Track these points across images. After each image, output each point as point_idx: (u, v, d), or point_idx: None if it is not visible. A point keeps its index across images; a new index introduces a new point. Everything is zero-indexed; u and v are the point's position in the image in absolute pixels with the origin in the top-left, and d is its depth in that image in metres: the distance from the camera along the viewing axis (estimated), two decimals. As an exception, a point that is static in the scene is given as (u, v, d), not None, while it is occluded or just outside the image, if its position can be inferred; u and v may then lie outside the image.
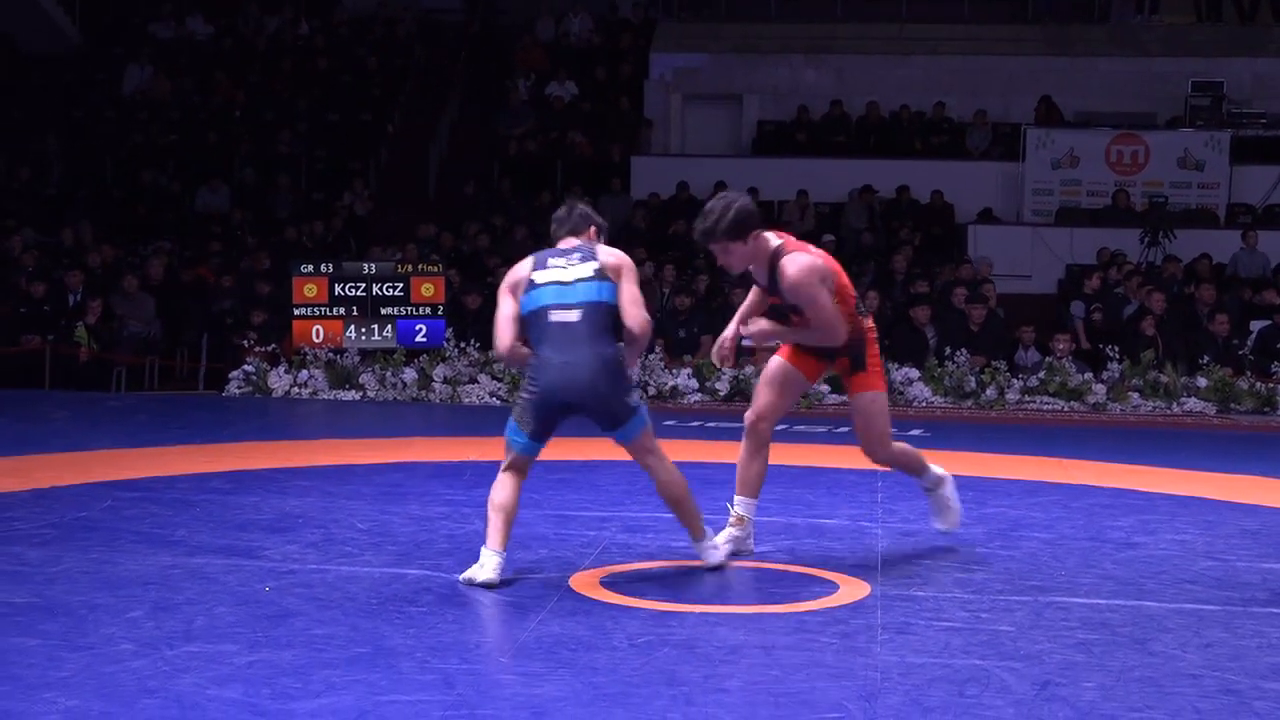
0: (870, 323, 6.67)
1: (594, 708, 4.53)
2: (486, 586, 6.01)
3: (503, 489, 6.22)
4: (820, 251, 6.54)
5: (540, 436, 6.24)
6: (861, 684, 4.84)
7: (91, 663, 4.86)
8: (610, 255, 6.29)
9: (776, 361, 6.71)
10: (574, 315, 6.14)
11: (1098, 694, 4.77)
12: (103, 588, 5.91)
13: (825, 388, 13.65)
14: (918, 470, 7.00)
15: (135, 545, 6.79)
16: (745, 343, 6.62)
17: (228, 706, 4.44)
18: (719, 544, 6.51)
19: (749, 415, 6.72)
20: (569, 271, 6.23)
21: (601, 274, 6.20)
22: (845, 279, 6.57)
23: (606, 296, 6.17)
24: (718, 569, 6.41)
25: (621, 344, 6.20)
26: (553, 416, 6.19)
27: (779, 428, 11.89)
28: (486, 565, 6.06)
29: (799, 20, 24.75)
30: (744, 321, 6.65)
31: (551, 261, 6.27)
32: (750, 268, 6.51)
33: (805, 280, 6.30)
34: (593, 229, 6.54)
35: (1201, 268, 18.33)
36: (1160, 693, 4.80)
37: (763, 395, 6.70)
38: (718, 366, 6.93)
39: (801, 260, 6.34)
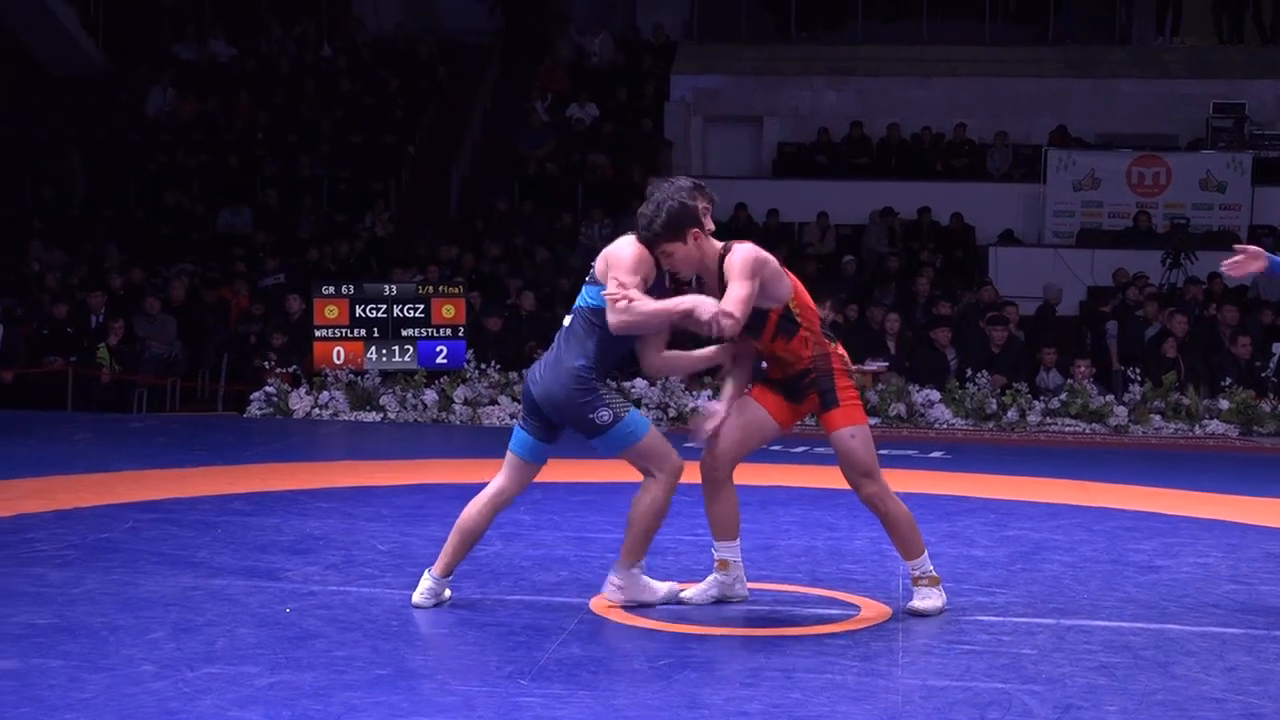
0: (840, 349, 6.12)
1: (614, 730, 4.54)
2: (415, 606, 6.07)
3: (471, 504, 6.20)
4: (773, 257, 6.00)
5: (530, 429, 6.06)
6: (883, 707, 4.83)
7: (113, 684, 4.87)
8: (604, 257, 5.92)
9: (745, 401, 6.18)
10: (568, 319, 6.03)
11: (1120, 718, 4.76)
12: (124, 609, 5.92)
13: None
14: (910, 548, 6.15)
15: (156, 566, 6.80)
16: (766, 365, 6.35)
17: (249, 728, 4.45)
18: (628, 588, 6.09)
19: (704, 458, 6.19)
20: (589, 275, 6.06)
21: (593, 278, 5.96)
22: (807, 298, 6.07)
23: (590, 301, 5.92)
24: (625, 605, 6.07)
25: (585, 355, 5.86)
26: (535, 411, 6.02)
27: (798, 449, 11.92)
28: (418, 587, 6.11)
29: (819, 42, 24.79)
30: (732, 394, 6.18)
31: None
32: (703, 278, 6.01)
33: (743, 262, 5.78)
34: (689, 233, 5.87)
35: (1215, 286, 18.29)
36: (1183, 716, 4.79)
37: (723, 438, 6.16)
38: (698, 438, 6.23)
39: (748, 246, 5.88)
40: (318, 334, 14.66)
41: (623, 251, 5.88)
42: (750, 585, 6.38)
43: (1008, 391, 14.34)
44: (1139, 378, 14.47)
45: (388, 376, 14.59)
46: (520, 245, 20.01)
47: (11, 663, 5.10)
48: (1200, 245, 19.62)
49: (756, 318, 5.93)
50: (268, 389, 14.57)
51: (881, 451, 6.35)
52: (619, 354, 6.05)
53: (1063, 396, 14.33)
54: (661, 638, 5.68)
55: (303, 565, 6.90)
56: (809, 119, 23.41)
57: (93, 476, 9.80)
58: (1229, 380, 14.58)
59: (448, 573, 6.12)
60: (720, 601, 6.26)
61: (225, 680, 4.93)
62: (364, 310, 14.66)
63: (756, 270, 5.82)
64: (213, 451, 11.42)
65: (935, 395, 14.23)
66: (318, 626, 5.71)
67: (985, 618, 6.12)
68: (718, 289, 5.93)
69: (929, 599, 6.14)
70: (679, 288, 6.02)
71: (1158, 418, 14.20)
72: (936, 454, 12.06)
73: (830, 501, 9.21)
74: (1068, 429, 14.05)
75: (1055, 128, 22.32)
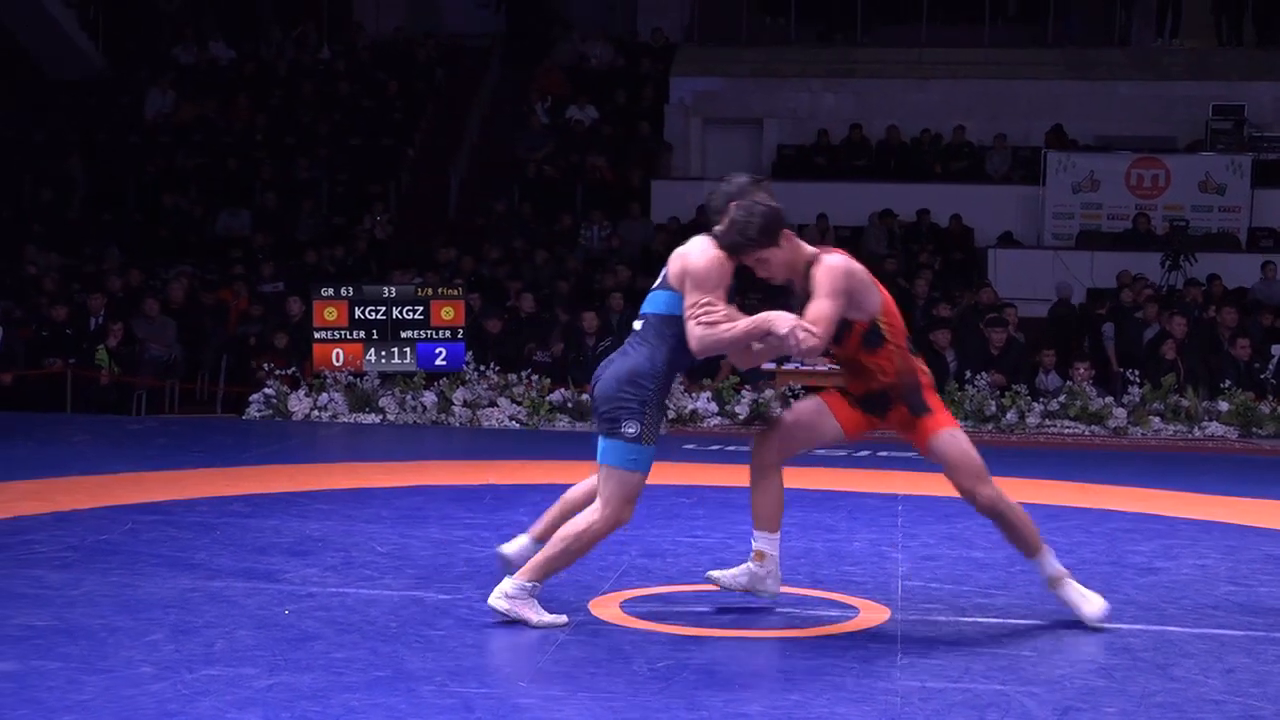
0: (923, 364, 6.11)
1: (613, 732, 4.54)
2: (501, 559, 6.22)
3: (583, 483, 6.19)
4: (863, 268, 5.89)
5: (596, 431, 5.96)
6: (882, 709, 4.83)
7: (111, 686, 4.87)
8: (679, 260, 5.80)
9: (815, 400, 6.14)
10: (639, 324, 5.91)
11: (1119, 719, 4.75)
12: (123, 611, 5.92)
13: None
14: (1031, 547, 5.98)
15: (155, 568, 6.80)
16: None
17: (247, 730, 4.45)
18: (516, 601, 5.80)
19: (755, 444, 6.12)
20: (657, 280, 5.95)
21: (665, 282, 5.85)
22: (896, 313, 5.99)
23: (662, 307, 5.81)
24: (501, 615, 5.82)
25: (652, 361, 5.76)
26: (596, 411, 5.92)
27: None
28: (514, 541, 6.28)
29: (818, 45, 24.80)
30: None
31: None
32: (792, 282, 5.95)
33: (830, 278, 5.70)
34: (722, 216, 5.88)
35: (1215, 288, 18.32)
36: (1182, 718, 4.79)
37: (779, 426, 6.11)
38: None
39: (838, 259, 5.80)
40: (317, 336, 14.66)
41: (700, 262, 5.75)
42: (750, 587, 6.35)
43: (1007, 393, 14.34)
44: (1138, 380, 14.47)
45: (387, 378, 14.59)
46: (519, 247, 20.02)
47: (10, 664, 5.10)
48: (1199, 247, 19.66)
49: (840, 327, 5.81)
50: (267, 391, 14.56)
51: (881, 453, 6.35)
52: (686, 364, 5.97)
53: (1062, 398, 14.33)
54: (660, 639, 5.68)
55: (302, 567, 6.90)
56: (808, 121, 23.42)
57: (91, 478, 9.79)
58: (1228, 382, 14.58)
59: (543, 539, 6.09)
60: (747, 593, 6.14)
61: (224, 682, 4.93)
62: (363, 312, 14.65)
63: (843, 289, 5.71)
64: (211, 453, 11.42)
65: (935, 397, 14.21)
66: (316, 628, 5.71)
67: (984, 619, 6.12)
68: (805, 294, 5.84)
69: (1090, 602, 5.96)
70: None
71: (1157, 419, 14.20)
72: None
73: (830, 504, 9.22)
74: (1067, 431, 14.04)
75: (1053, 127, 22.33)
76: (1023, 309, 17.64)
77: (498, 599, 5.84)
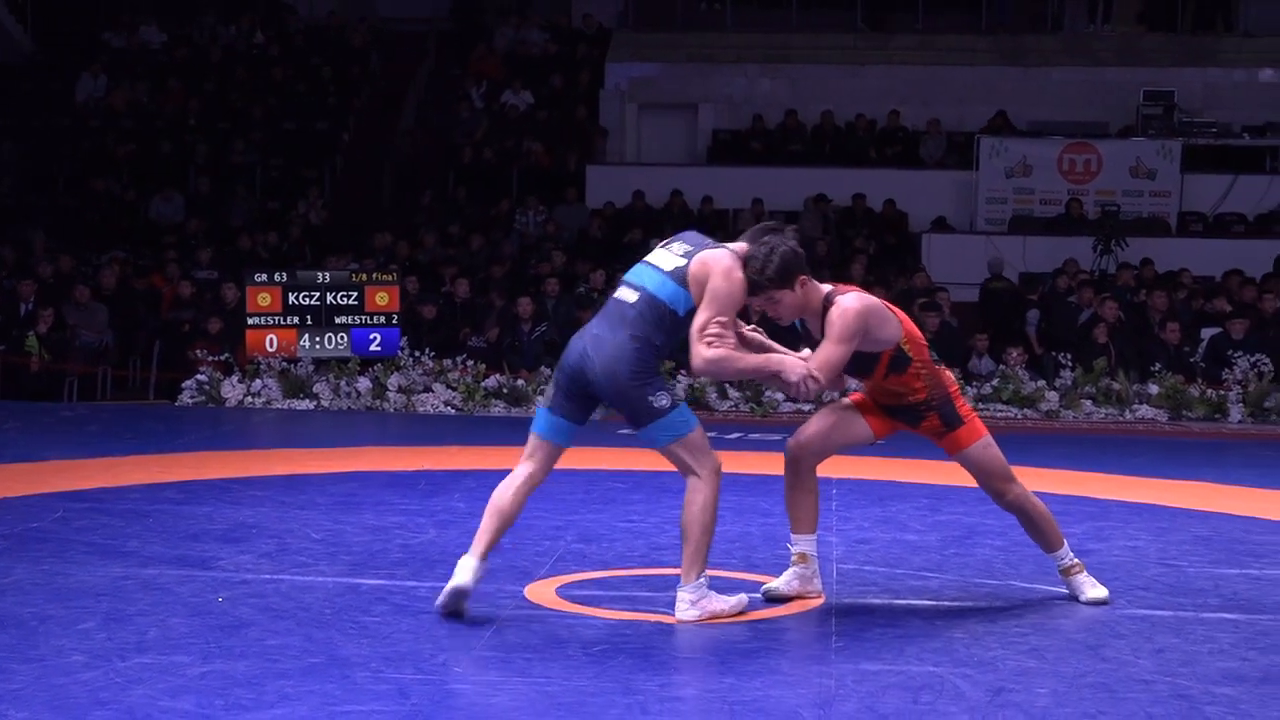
0: (947, 371, 6.16)
1: (549, 717, 4.54)
2: (456, 594, 5.66)
3: (503, 486, 5.81)
4: (877, 300, 5.93)
5: (558, 409, 5.81)
6: (816, 691, 4.85)
7: (43, 674, 4.83)
8: (702, 265, 5.67)
9: (845, 403, 6.17)
10: (632, 296, 5.76)
11: (1050, 700, 4.80)
12: (54, 599, 5.87)
13: (779, 395, 13.65)
14: (1051, 542, 6.19)
15: (87, 556, 6.75)
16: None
17: (181, 718, 4.43)
18: (700, 602, 5.75)
19: (790, 443, 6.11)
20: (665, 259, 5.78)
21: (679, 274, 5.70)
22: (915, 331, 6.02)
23: (668, 298, 5.68)
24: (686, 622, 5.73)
25: (646, 338, 5.66)
26: (569, 388, 5.78)
27: (732, 435, 11.95)
28: (457, 570, 5.68)
29: (754, 30, 24.81)
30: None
31: (670, 246, 5.84)
32: (804, 322, 5.98)
33: (842, 324, 5.71)
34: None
35: (1146, 273, 18.47)
36: (1112, 698, 4.84)
37: (813, 426, 6.11)
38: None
39: (852, 301, 5.78)
40: (250, 322, 14.57)
41: (724, 283, 5.65)
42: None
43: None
44: (1070, 364, 14.58)
45: (321, 364, 14.52)
46: (454, 232, 19.97)
47: (-61, 654, 5.05)
48: (1130, 232, 19.82)
49: (867, 360, 5.89)
50: (200, 377, 14.46)
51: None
52: (674, 345, 5.90)
53: (995, 382, 14.43)
54: (596, 624, 5.69)
55: (235, 554, 6.86)
56: (743, 106, 23.46)
57: (22, 466, 9.70)
58: (1158, 366, 14.72)
59: (486, 555, 5.76)
60: (800, 598, 6.11)
61: (157, 670, 4.90)
62: (297, 298, 14.57)
63: (855, 333, 5.74)
64: (144, 440, 11.34)
65: (869, 381, 14.26)
66: (250, 615, 5.68)
67: (918, 601, 6.16)
68: (820, 333, 5.86)
69: (1095, 588, 6.16)
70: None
71: (1088, 403, 14.32)
72: (870, 440, 12.11)
73: (764, 488, 9.23)
74: (999, 414, 14.13)
75: (996, 114, 22.47)
76: (955, 293, 17.75)
77: (685, 612, 5.73)
